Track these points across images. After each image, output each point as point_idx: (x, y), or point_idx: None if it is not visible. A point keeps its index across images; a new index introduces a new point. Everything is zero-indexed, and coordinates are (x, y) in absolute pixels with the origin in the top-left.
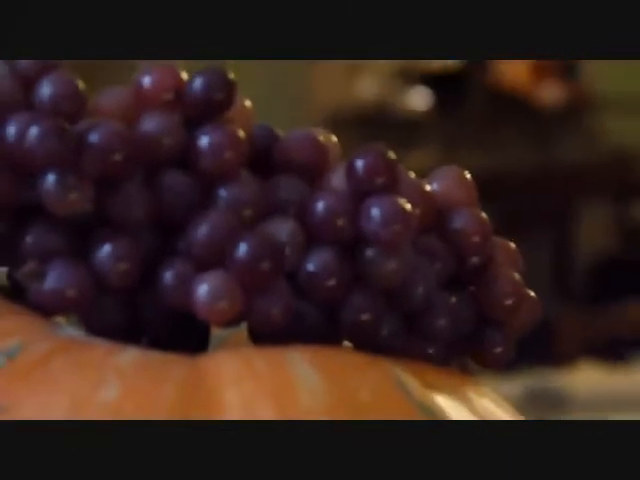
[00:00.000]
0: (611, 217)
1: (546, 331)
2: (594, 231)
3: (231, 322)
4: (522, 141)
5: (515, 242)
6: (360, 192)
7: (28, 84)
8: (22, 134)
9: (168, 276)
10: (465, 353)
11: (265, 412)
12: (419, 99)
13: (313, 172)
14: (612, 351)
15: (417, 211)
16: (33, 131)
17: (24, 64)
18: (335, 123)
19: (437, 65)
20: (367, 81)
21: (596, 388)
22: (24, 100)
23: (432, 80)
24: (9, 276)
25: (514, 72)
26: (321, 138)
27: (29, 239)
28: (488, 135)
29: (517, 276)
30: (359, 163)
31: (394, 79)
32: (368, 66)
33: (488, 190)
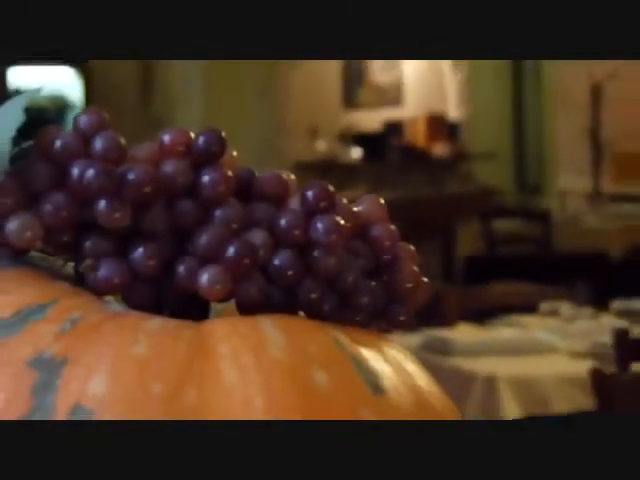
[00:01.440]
0: (478, 230)
1: (436, 302)
2: (467, 239)
3: (223, 299)
4: (422, 180)
5: (417, 246)
6: (310, 212)
7: (86, 139)
8: (82, 173)
9: (181, 269)
10: (381, 320)
11: (246, 359)
12: (354, 153)
13: (278, 199)
14: (479, 316)
15: (348, 225)
16: (90, 172)
17: (84, 125)
18: (299, 168)
19: (366, 129)
20: (320, 141)
21: (469, 340)
22: (84, 150)
23: (363, 139)
24: (74, 269)
25: (417, 134)
26: (284, 176)
27: (87, 244)
28: (400, 177)
29: (415, 268)
30: (309, 193)
31: (337, 139)
32: (320, 131)
33: (399, 211)
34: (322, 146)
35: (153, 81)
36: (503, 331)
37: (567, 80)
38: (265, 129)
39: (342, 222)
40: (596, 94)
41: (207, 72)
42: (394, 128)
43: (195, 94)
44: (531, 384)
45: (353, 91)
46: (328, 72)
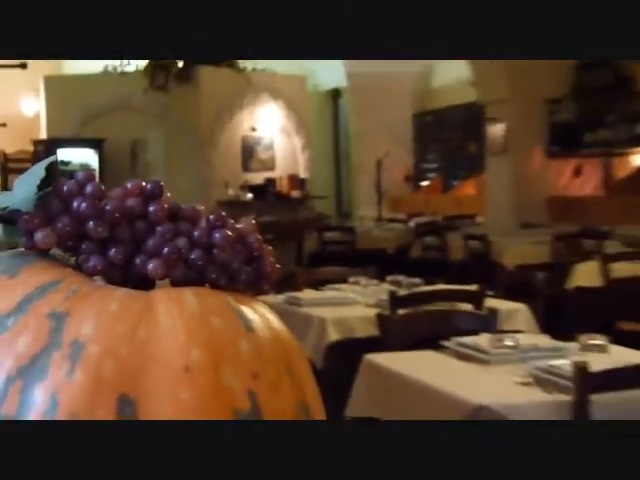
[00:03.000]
0: (316, 238)
1: (292, 277)
2: (310, 243)
3: (162, 278)
4: (285, 211)
5: (281, 247)
6: (211, 228)
7: (82, 186)
8: (79, 206)
9: (137, 261)
10: (253, 289)
11: (174, 312)
12: (248, 196)
13: (194, 220)
14: (316, 284)
15: (233, 235)
16: (83, 205)
17: (80, 178)
18: (218, 205)
19: (255, 182)
20: (230, 189)
21: (310, 297)
22: (80, 192)
23: (253, 189)
24: (75, 261)
25: (283, 185)
26: (197, 207)
27: (82, 246)
28: (273, 209)
29: (273, 259)
30: (211, 217)
31: (239, 188)
32: (230, 183)
33: (272, 228)
34: (231, 192)
35: (137, 158)
36: (329, 292)
37: (363, 158)
38: (198, 183)
39: (230, 233)
40: (378, 165)
41: (166, 156)
42: (270, 182)
43: (159, 166)
44: (345, 322)
45: (248, 162)
46: (233, 152)
